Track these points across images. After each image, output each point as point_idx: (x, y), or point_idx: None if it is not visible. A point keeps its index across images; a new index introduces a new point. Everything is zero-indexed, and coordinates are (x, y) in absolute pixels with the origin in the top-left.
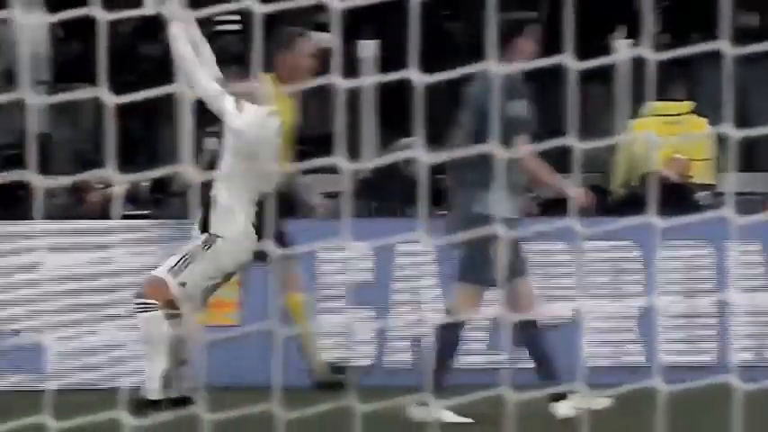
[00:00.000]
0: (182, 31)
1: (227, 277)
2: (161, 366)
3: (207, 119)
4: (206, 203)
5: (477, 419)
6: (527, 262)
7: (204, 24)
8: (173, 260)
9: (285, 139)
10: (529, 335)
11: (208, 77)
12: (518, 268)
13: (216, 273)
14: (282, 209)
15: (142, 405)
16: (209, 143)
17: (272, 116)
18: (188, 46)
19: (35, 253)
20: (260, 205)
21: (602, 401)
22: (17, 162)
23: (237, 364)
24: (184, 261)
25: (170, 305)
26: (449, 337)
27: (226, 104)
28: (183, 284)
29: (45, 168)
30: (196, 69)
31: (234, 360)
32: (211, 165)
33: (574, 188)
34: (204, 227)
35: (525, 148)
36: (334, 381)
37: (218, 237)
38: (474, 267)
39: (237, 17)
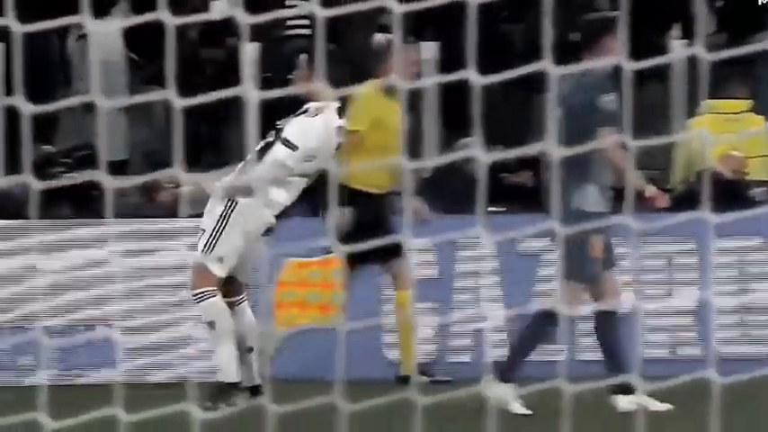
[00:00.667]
0: (210, 190)
1: (254, 240)
2: (230, 350)
3: (272, 120)
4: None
5: (533, 411)
6: (614, 255)
7: (275, 27)
8: (202, 242)
9: (394, 141)
10: (605, 326)
11: (248, 177)
12: (607, 261)
13: (244, 236)
14: (387, 209)
15: (220, 391)
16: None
17: (332, 119)
18: (222, 185)
19: (106, 250)
20: (312, 193)
21: (661, 406)
22: (90, 163)
23: (302, 357)
24: (213, 238)
25: (221, 286)
26: (541, 331)
27: (280, 158)
28: (221, 259)
29: (118, 169)
30: (246, 181)
31: (298, 353)
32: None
33: (650, 187)
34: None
35: (611, 140)
36: (415, 380)
37: (236, 202)
38: (575, 264)
39: (307, 21)
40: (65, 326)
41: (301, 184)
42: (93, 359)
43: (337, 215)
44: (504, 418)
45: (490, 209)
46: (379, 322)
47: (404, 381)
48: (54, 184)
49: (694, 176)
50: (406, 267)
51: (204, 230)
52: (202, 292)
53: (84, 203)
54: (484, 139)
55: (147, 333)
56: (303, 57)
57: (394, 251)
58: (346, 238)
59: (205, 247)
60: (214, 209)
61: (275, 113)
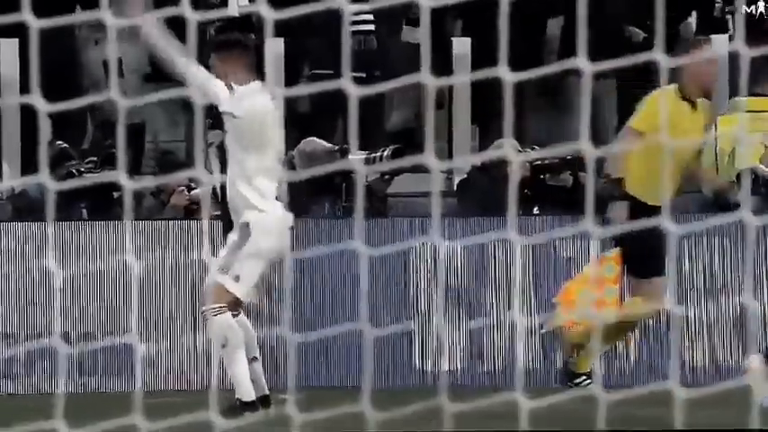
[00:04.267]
0: (153, 27)
1: (271, 261)
2: (244, 367)
3: (293, 116)
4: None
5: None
6: None
7: (335, 22)
8: (220, 259)
9: (684, 151)
10: None
11: (193, 64)
12: None
13: (261, 256)
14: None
15: (237, 409)
16: (212, 135)
17: (263, 89)
18: (164, 39)
19: (125, 254)
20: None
21: None
22: (114, 162)
23: (330, 365)
24: (230, 256)
25: (235, 304)
26: None
27: (217, 89)
28: (238, 278)
29: (138, 169)
30: (181, 57)
31: (327, 360)
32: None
33: None
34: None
35: None
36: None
37: (249, 222)
38: None
39: (370, 16)
40: (83, 332)
41: (275, 171)
42: (110, 366)
43: (615, 210)
44: (538, 425)
45: (536, 211)
46: (408, 329)
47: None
48: (70, 184)
49: (733, 176)
50: (660, 291)
51: (225, 248)
52: (214, 308)
53: (104, 205)
54: (523, 139)
55: (165, 339)
56: (213, 57)
57: (654, 269)
58: (622, 238)
59: (222, 265)
60: (236, 227)
61: (294, 108)
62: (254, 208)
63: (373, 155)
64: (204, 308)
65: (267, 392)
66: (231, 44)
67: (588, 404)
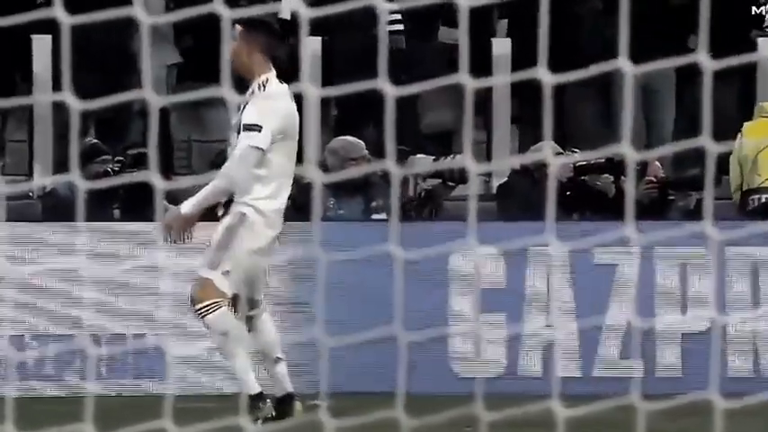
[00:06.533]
0: (192, 207)
1: (266, 253)
2: (244, 360)
3: (335, 118)
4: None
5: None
6: None
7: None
8: (209, 253)
9: None
10: None
11: (225, 173)
12: None
13: (255, 248)
14: None
15: (250, 404)
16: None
17: (279, 87)
18: (202, 197)
19: (155, 254)
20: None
21: None
22: (144, 162)
23: (361, 370)
24: (219, 251)
25: (227, 299)
26: None
27: (247, 143)
28: (227, 273)
29: (172, 169)
30: (220, 182)
31: (358, 366)
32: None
33: None
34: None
35: None
36: None
37: (245, 215)
38: None
39: (400, 16)
40: (113, 334)
41: (287, 178)
42: (141, 369)
43: None
44: None
45: (575, 217)
46: (445, 333)
47: None
48: (100, 184)
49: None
50: None
51: (210, 244)
52: (209, 305)
53: (136, 205)
54: (565, 141)
55: (198, 341)
56: (238, 28)
57: None
58: None
59: (212, 259)
60: (222, 221)
61: (329, 109)
62: (243, 204)
63: (442, 158)
64: (197, 307)
65: (291, 391)
66: (257, 24)
67: (627, 413)
